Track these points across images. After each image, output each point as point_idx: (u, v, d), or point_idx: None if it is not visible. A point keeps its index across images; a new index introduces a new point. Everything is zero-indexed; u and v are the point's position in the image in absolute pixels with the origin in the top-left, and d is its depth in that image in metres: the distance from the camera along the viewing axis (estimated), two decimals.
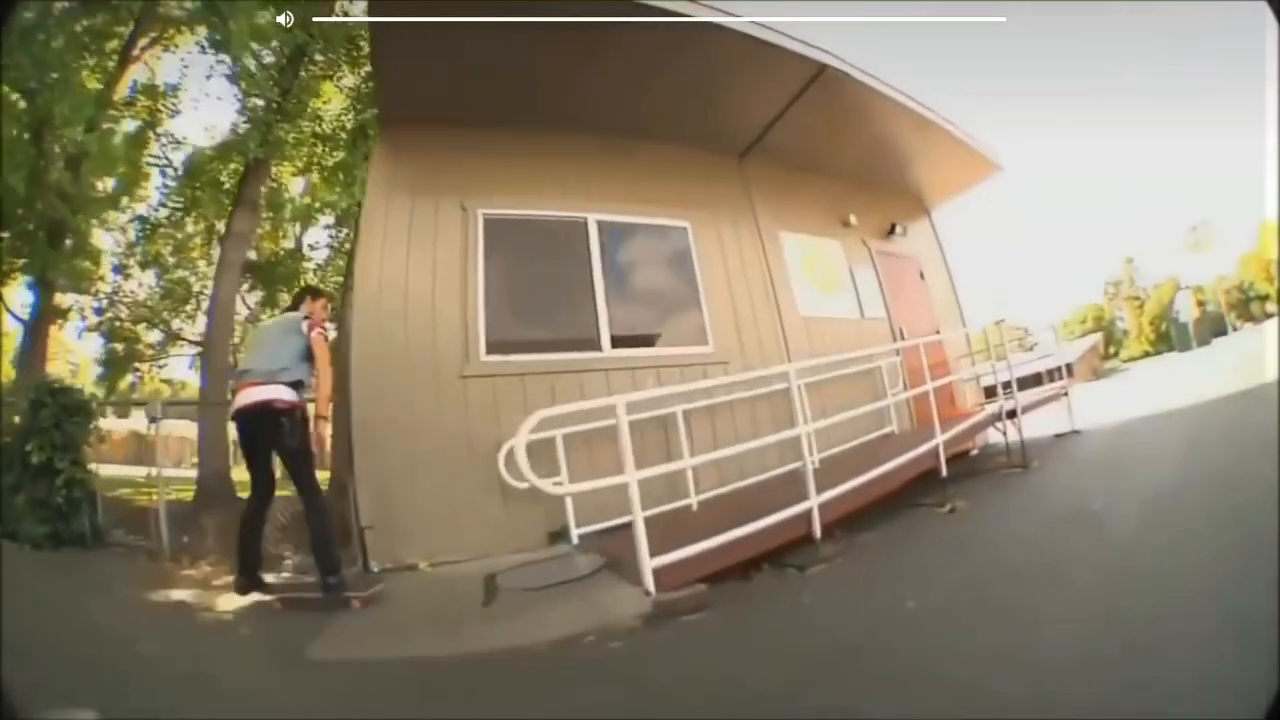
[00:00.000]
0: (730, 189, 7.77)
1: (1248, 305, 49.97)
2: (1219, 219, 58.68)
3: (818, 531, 4.23)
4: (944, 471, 5.55)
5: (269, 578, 4.34)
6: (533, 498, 4.50)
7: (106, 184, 14.44)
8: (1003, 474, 6.43)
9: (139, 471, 10.40)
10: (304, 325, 4.21)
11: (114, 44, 13.10)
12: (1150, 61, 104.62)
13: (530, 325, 5.98)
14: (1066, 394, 8.74)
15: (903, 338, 8.86)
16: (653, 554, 3.47)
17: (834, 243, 8.76)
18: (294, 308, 4.64)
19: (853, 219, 8.99)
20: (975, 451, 8.43)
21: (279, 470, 4.21)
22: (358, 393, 5.12)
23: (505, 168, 6.21)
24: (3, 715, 2.01)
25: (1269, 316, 42.20)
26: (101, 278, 15.40)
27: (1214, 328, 45.26)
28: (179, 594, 4.62)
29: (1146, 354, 55.39)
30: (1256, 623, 2.07)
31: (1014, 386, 7.04)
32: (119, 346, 16.45)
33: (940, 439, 5.55)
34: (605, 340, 6.10)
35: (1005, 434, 6.77)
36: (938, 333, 9.52)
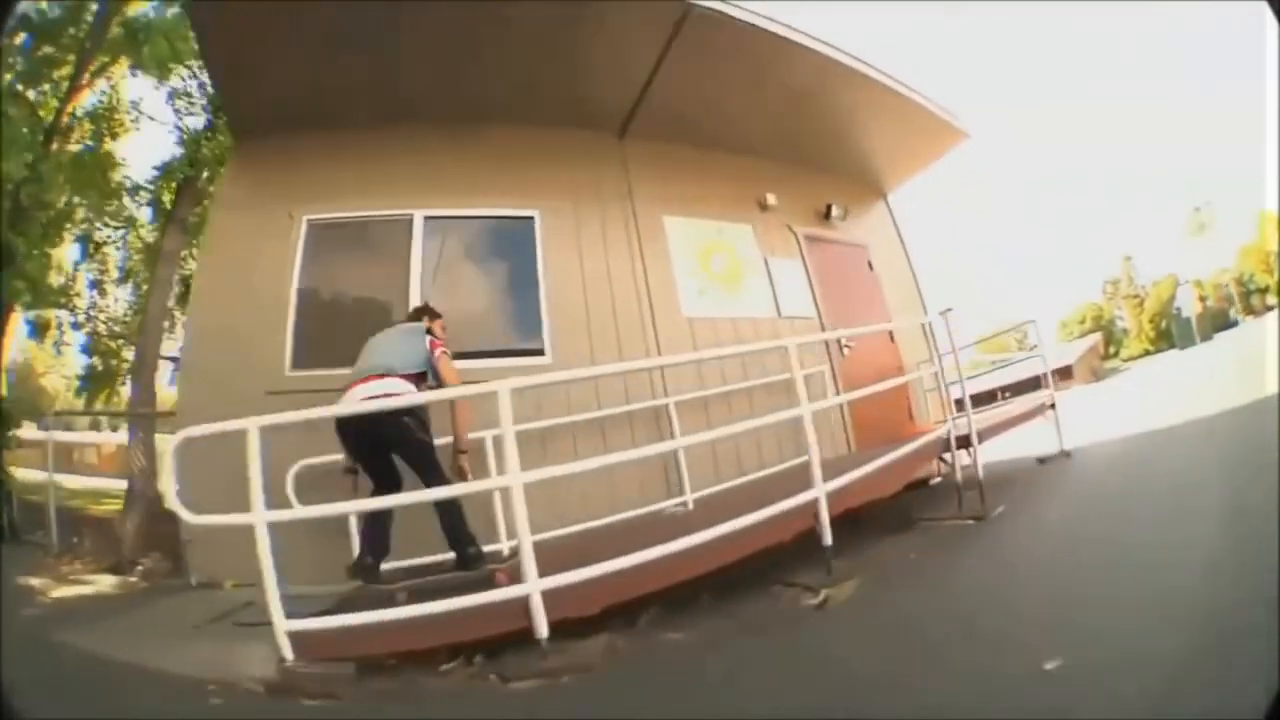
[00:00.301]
0: (605, 171, 6.20)
1: (1248, 298, 47.10)
2: (1216, 211, 55.37)
3: (542, 629, 2.63)
4: (827, 538, 3.35)
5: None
6: (334, 527, 3.99)
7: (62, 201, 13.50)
8: (946, 529, 4.23)
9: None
10: (427, 338, 3.78)
11: (64, 71, 12.44)
12: (1144, 56, 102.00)
13: (342, 336, 4.79)
14: (1053, 406, 6.41)
15: (839, 341, 6.96)
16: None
17: (743, 228, 6.73)
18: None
19: (771, 199, 6.91)
20: (936, 480, 6.45)
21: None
22: (183, 406, 4.82)
23: (342, 169, 5.36)
24: (3, 715, 2.00)
25: (1269, 309, 39.76)
26: (78, 294, 14.92)
27: (1215, 322, 42.77)
28: (35, 580, 4.85)
29: (1147, 352, 52.56)
30: None
31: (967, 403, 4.73)
32: (98, 361, 15.36)
33: (820, 490, 3.30)
34: None
35: (954, 470, 4.55)
36: (890, 335, 7.66)
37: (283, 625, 2.63)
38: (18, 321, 14.37)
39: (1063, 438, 6.26)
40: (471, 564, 3.50)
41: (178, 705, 2.49)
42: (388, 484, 3.58)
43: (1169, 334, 48.51)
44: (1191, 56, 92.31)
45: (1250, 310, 45.05)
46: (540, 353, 5.35)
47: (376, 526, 3.57)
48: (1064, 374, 46.28)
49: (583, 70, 5.56)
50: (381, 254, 5.26)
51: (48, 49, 11.89)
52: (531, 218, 5.71)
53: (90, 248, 14.74)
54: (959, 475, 4.51)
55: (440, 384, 3.65)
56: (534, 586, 2.64)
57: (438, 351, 3.73)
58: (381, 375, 3.51)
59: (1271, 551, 2.24)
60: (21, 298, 12.59)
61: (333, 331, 5.00)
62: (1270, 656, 1.59)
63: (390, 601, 3.05)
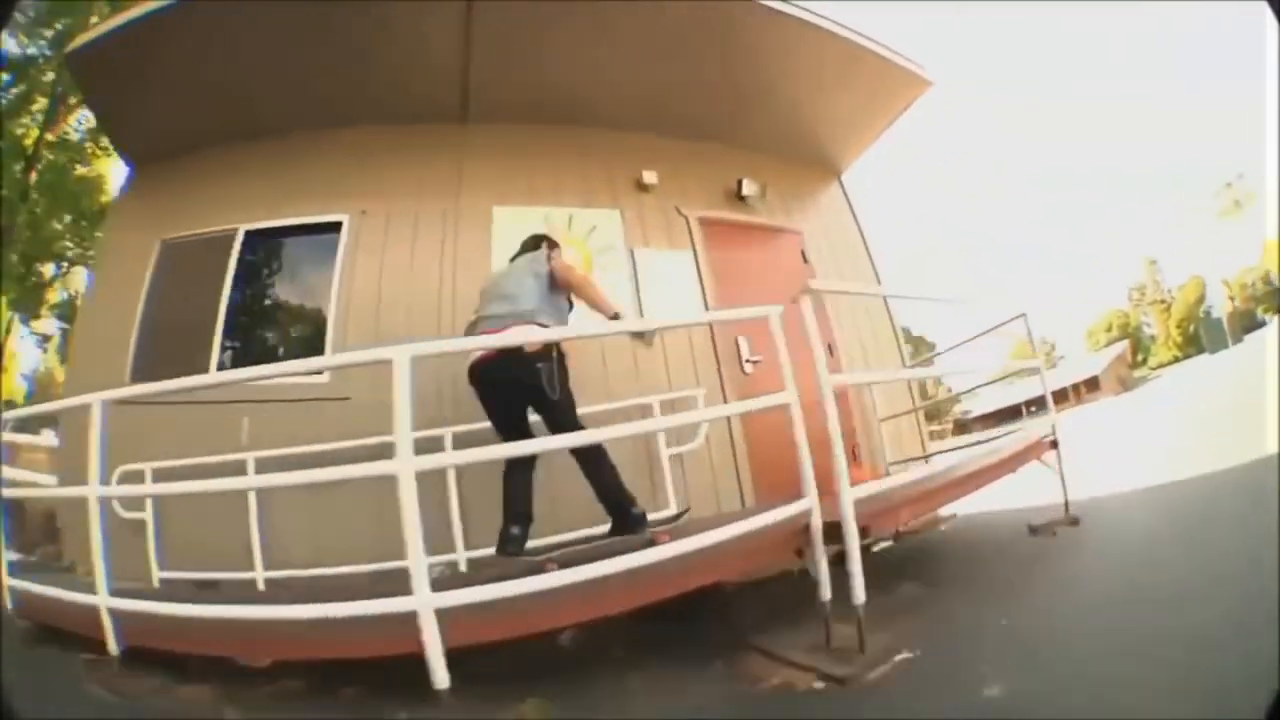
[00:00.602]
0: (438, 164, 5.02)
1: (1275, 295, 43.14)
2: (1250, 185, 50.03)
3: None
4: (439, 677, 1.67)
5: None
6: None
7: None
8: (770, 691, 2.10)
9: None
10: (544, 260, 3.23)
11: (41, 104, 13.30)
12: (1155, 57, 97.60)
13: (167, 354, 4.67)
14: (1055, 445, 4.06)
15: (740, 354, 4.94)
16: None
17: (609, 214, 4.97)
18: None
19: (650, 177, 5.08)
20: (885, 544, 4.32)
21: None
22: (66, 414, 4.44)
23: (202, 190, 5.02)
24: (2, 715, 1.94)
25: None
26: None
27: (1243, 323, 39.41)
28: None
29: (1175, 359, 48.88)
30: None
31: (837, 454, 2.30)
32: None
33: (425, 603, 1.72)
34: (213, 368, 4.52)
35: (818, 580, 2.26)
36: (830, 347, 5.64)
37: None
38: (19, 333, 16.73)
39: (1068, 489, 3.90)
40: (636, 526, 2.98)
41: None
42: (520, 437, 3.01)
43: (1197, 339, 45.01)
44: (1207, 56, 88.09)
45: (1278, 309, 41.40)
46: (318, 372, 4.40)
47: (516, 494, 3.00)
48: (1090, 385, 43.19)
49: (387, 61, 4.68)
50: (207, 271, 4.78)
51: (23, 86, 12.72)
52: (340, 222, 4.80)
53: (63, 266, 15.42)
54: (823, 588, 2.30)
55: (572, 291, 3.19)
56: None
57: (555, 261, 3.23)
58: (506, 325, 2.94)
59: None
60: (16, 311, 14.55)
61: (161, 348, 4.67)
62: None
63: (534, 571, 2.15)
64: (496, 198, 4.89)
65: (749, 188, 5.51)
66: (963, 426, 47.48)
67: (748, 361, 4.74)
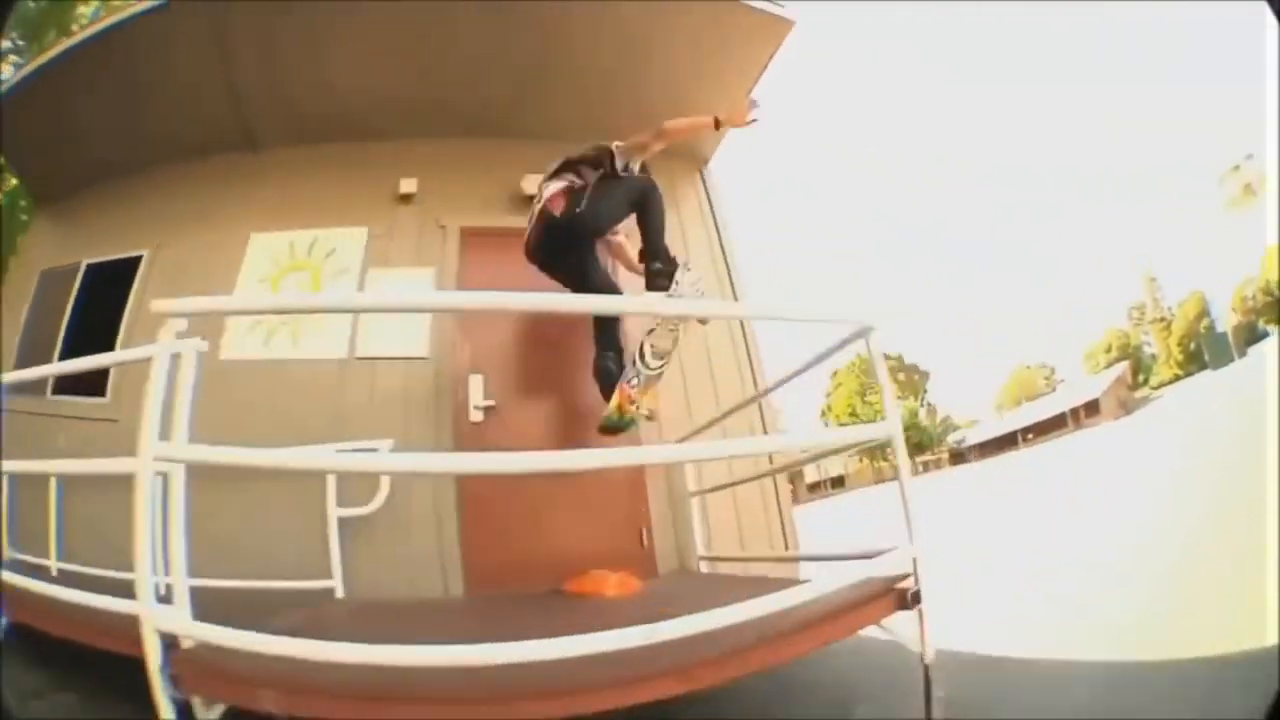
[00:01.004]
0: (222, 193, 5.03)
1: (1276, 306, 41.26)
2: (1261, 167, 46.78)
3: None
4: None
5: None
6: None
7: None
8: None
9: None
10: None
11: None
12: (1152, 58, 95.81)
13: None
14: (915, 600, 1.95)
15: (468, 398, 3.98)
16: None
17: (355, 232, 4.58)
18: None
19: (408, 186, 4.58)
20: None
21: None
22: None
23: (73, 227, 5.51)
24: (2, 715, 1.89)
25: None
26: None
27: (1245, 336, 37.87)
28: None
29: (1177, 377, 46.57)
30: None
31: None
32: None
33: None
34: (49, 386, 4.72)
35: None
36: None
37: None
38: None
39: (933, 680, 1.89)
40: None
41: None
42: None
43: (1199, 355, 43.39)
44: (1204, 43, 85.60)
45: None
46: (101, 394, 4.60)
47: (606, 330, 3.10)
48: (1090, 409, 41.68)
49: (152, 97, 4.86)
50: (59, 301, 5.15)
51: None
52: (140, 257, 4.97)
53: None
54: None
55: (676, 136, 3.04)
56: None
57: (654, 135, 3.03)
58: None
59: None
60: None
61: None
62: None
63: None
64: (260, 224, 4.77)
65: (531, 186, 4.62)
66: (959, 456, 45.70)
67: (476, 408, 3.80)
